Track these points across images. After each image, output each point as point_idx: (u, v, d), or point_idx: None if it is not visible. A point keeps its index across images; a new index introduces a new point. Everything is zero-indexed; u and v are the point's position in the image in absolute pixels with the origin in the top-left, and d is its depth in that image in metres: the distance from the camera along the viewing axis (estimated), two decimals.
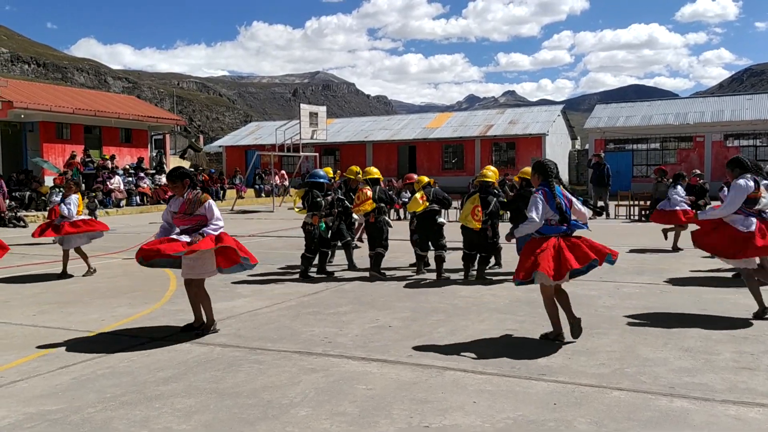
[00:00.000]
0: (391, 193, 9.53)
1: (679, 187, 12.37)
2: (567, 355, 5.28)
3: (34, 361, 5.35)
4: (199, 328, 6.17)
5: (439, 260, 9.26)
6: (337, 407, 4.21)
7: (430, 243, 9.39)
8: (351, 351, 5.51)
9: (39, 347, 5.75)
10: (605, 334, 5.96)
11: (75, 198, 9.87)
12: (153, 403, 4.32)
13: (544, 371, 4.87)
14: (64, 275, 9.70)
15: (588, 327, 6.08)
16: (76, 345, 5.84)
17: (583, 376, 4.74)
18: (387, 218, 9.77)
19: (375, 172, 9.78)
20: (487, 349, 5.53)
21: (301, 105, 30.15)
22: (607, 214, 19.71)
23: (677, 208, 12.12)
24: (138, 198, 25.70)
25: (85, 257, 10.01)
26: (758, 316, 6.48)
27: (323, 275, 9.51)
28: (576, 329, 5.66)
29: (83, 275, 9.81)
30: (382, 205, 9.54)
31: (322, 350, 5.54)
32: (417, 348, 5.56)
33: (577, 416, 4.00)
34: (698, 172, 19.28)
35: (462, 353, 5.38)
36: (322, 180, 9.66)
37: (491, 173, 9.26)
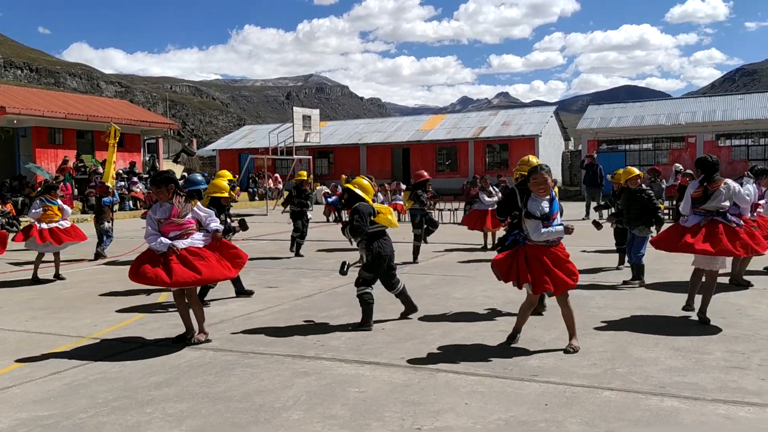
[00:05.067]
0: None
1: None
2: (559, 356, 5.30)
3: (27, 366, 5.34)
4: (191, 338, 5.97)
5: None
6: (329, 410, 4.21)
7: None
8: (343, 354, 5.52)
9: (28, 355, 5.74)
10: (597, 334, 5.99)
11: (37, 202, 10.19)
12: (145, 408, 4.32)
13: (536, 372, 4.89)
14: (43, 281, 9.73)
15: (580, 328, 6.08)
16: (69, 350, 5.83)
17: (575, 377, 4.76)
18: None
19: (300, 175, 12.93)
20: (479, 350, 5.55)
21: (294, 108, 30.14)
22: (600, 215, 19.77)
23: None
24: (131, 202, 25.64)
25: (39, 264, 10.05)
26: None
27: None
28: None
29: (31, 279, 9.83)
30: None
31: (315, 353, 5.55)
32: (409, 350, 5.57)
33: (568, 416, 4.02)
34: (689, 171, 19.36)
35: (454, 355, 5.39)
36: (201, 186, 8.37)
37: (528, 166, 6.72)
